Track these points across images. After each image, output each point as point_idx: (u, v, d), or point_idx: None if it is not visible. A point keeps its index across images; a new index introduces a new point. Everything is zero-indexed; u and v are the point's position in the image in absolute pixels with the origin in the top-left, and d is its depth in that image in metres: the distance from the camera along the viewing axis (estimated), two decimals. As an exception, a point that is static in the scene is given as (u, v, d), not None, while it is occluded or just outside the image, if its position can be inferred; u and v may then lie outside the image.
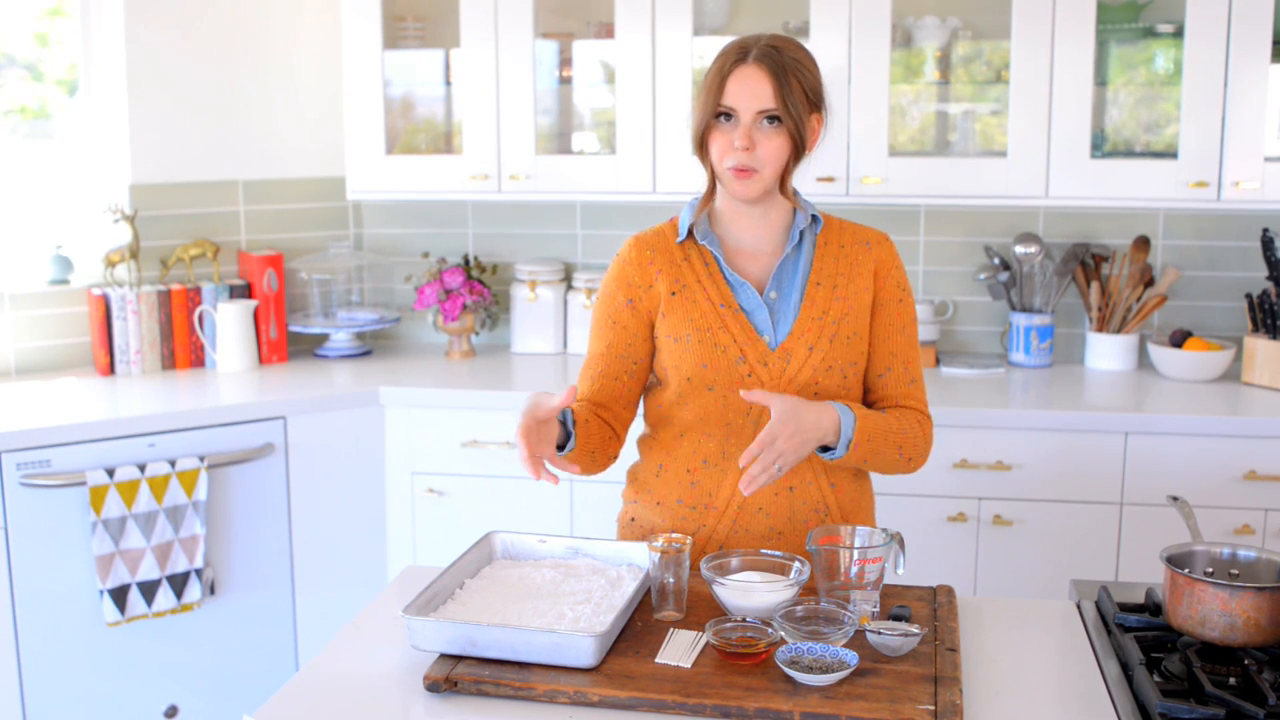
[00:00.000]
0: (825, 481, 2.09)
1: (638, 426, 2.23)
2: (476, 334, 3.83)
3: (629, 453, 2.25)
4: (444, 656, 1.73)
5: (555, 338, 3.79)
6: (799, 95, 1.97)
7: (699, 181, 2.11)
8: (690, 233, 2.09)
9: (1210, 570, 1.83)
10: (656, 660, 1.72)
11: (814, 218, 2.09)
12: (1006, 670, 1.76)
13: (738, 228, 2.09)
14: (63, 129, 3.66)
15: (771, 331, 2.04)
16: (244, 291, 3.65)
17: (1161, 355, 3.38)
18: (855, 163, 3.33)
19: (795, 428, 1.91)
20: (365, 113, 3.56)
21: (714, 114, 1.99)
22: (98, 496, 2.94)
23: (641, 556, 1.98)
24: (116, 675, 3.06)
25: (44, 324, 3.50)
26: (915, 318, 2.14)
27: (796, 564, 1.88)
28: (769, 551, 1.92)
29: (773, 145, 1.97)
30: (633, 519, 2.19)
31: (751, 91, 1.96)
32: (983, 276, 3.58)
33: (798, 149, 2.00)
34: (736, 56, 1.98)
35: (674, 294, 2.06)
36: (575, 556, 2.02)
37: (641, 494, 2.17)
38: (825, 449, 2.00)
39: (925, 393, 2.15)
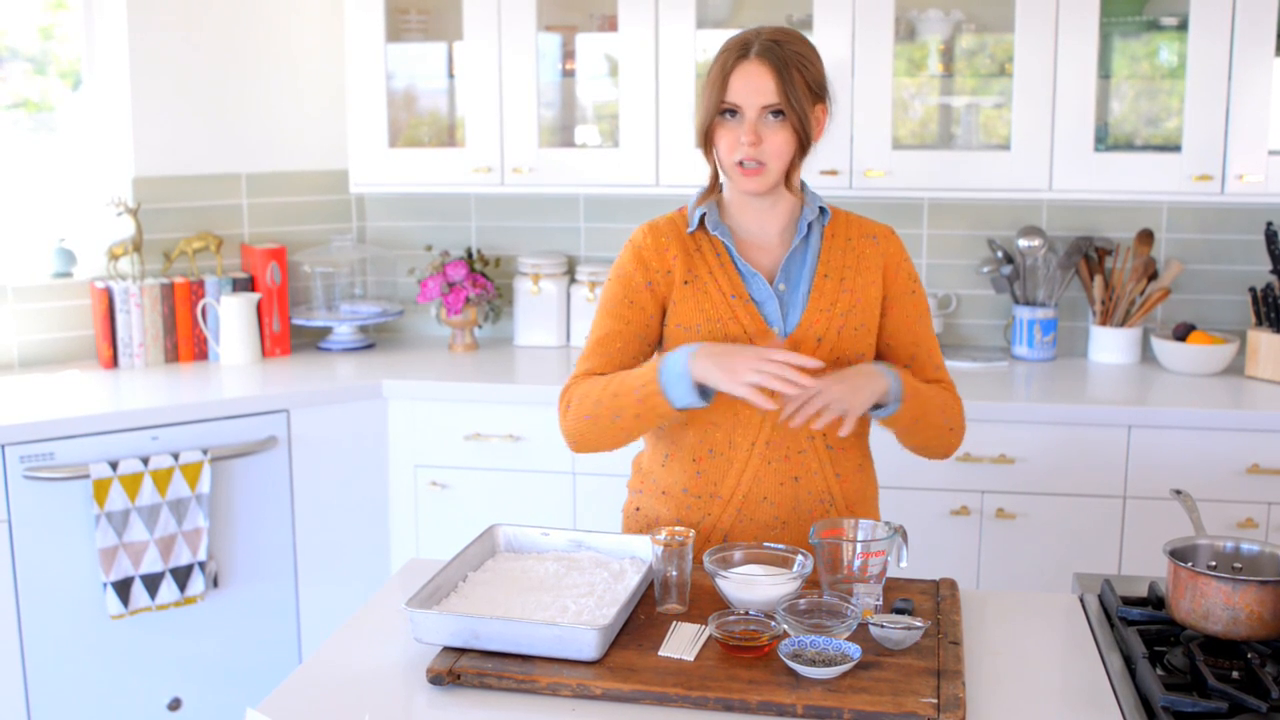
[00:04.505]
0: (831, 472, 2.10)
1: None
2: (479, 327, 3.83)
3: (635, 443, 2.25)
4: (447, 649, 1.73)
5: (558, 331, 3.78)
6: (801, 88, 1.97)
7: (702, 174, 2.11)
8: (701, 223, 2.09)
9: (1213, 564, 1.83)
10: (659, 653, 1.72)
11: (821, 209, 2.10)
12: (1009, 663, 1.76)
13: (746, 219, 2.10)
14: (66, 122, 3.66)
15: (781, 323, 2.05)
16: (247, 284, 3.65)
17: (1165, 349, 3.38)
18: (858, 156, 3.33)
19: (838, 376, 1.94)
20: (368, 106, 3.56)
21: (718, 111, 1.99)
22: (101, 489, 2.94)
23: (644, 549, 1.98)
24: (120, 668, 3.07)
25: (47, 317, 3.51)
26: (928, 307, 2.17)
27: (799, 557, 1.88)
28: (772, 545, 1.92)
29: (778, 139, 1.98)
30: (638, 509, 2.19)
31: (755, 87, 1.96)
32: (986, 270, 3.57)
33: (803, 142, 2.00)
34: (738, 53, 1.98)
35: (687, 283, 2.07)
36: (578, 549, 2.02)
37: (646, 483, 2.18)
38: (877, 408, 2.02)
39: (950, 375, 2.19)
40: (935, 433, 2.11)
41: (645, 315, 2.09)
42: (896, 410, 2.01)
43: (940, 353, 2.17)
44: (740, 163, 1.99)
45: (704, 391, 1.94)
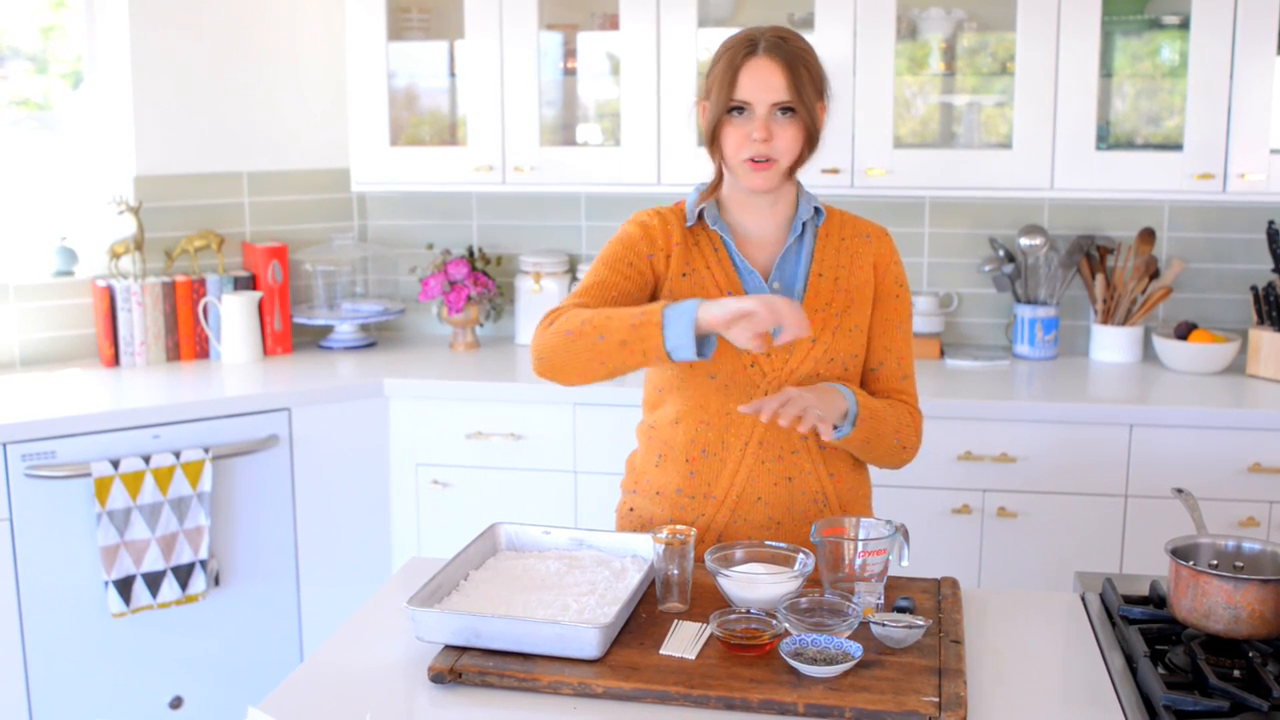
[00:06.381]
0: (824, 472, 2.09)
1: (636, 414, 2.23)
2: (481, 326, 3.83)
3: (629, 442, 2.26)
4: (448, 648, 1.73)
5: (559, 330, 3.78)
6: (809, 85, 1.97)
7: (704, 172, 2.11)
8: (700, 218, 2.09)
9: (1215, 563, 1.83)
10: (661, 652, 1.72)
11: (816, 209, 2.09)
12: (1011, 662, 1.76)
13: (744, 216, 2.09)
14: (67, 121, 3.66)
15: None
16: (248, 283, 3.65)
17: (1166, 347, 3.38)
18: (860, 154, 3.33)
19: (806, 388, 1.95)
20: (369, 104, 3.56)
21: (727, 108, 1.99)
22: (102, 488, 2.94)
23: (646, 548, 1.98)
24: (121, 666, 3.07)
25: (49, 315, 3.51)
26: (911, 313, 2.15)
27: (801, 556, 1.88)
28: (773, 543, 1.92)
29: (788, 135, 1.98)
30: (631, 509, 2.19)
31: (765, 83, 1.96)
32: (987, 268, 3.57)
33: (811, 138, 2.00)
34: (746, 49, 1.98)
35: (684, 275, 2.06)
36: (579, 548, 2.02)
37: (640, 484, 2.17)
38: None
39: (916, 387, 2.16)
40: (885, 451, 2.08)
41: (641, 280, 2.05)
42: (848, 434, 1.99)
43: (911, 364, 2.14)
44: (751, 159, 1.98)
45: (700, 346, 1.84)
